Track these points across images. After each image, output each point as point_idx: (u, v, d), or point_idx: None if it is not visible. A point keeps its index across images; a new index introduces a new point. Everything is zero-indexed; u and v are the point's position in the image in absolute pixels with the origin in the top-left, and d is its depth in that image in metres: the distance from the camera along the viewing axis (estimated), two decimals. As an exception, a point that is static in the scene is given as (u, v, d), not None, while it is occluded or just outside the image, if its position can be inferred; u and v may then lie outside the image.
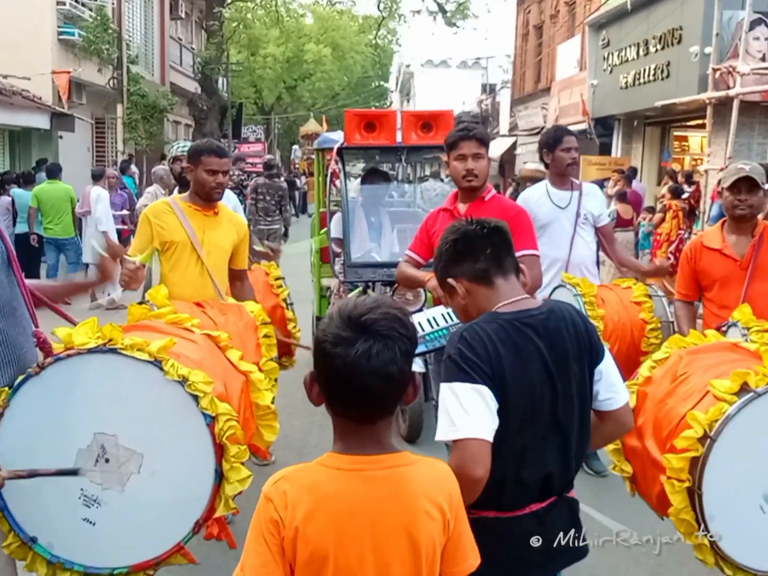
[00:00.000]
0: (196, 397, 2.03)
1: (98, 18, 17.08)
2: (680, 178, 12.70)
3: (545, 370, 1.91)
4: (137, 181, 18.87)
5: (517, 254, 3.57)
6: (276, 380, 3.20)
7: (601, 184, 13.79)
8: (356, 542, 1.42)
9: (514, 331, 1.90)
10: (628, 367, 2.98)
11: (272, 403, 2.54)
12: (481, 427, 1.77)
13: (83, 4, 17.67)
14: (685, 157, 16.53)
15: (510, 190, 17.77)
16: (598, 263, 4.80)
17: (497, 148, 22.73)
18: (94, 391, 2.05)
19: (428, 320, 3.51)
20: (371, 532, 1.42)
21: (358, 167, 7.74)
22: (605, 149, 17.19)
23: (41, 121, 15.37)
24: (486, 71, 40.40)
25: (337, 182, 5.69)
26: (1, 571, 2.16)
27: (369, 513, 1.43)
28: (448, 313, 3.53)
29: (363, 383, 1.42)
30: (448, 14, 23.40)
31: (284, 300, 4.32)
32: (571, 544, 1.99)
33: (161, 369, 2.02)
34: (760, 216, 3.67)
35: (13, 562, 2.20)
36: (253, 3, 28.59)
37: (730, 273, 3.57)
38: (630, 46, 14.88)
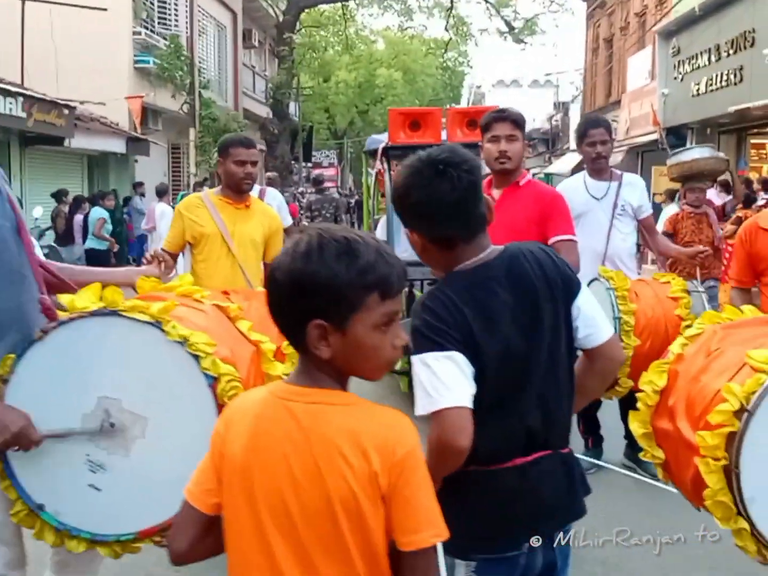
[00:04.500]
0: (197, 358, 2.00)
1: (172, 46, 17.66)
2: (756, 186, 12.21)
3: (516, 321, 1.79)
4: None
5: (553, 239, 3.50)
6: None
7: (675, 194, 13.43)
8: (274, 471, 1.34)
9: (476, 288, 1.79)
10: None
11: (286, 375, 2.49)
12: (460, 395, 1.67)
13: (158, 34, 18.35)
14: (764, 165, 15.89)
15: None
16: (640, 256, 4.63)
17: (567, 163, 22.39)
18: (97, 355, 2.03)
19: None
20: (286, 463, 1.33)
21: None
22: (678, 160, 16.68)
23: (117, 146, 15.95)
24: (558, 89, 40.09)
25: (383, 182, 5.65)
26: (10, 544, 2.16)
27: (285, 444, 1.34)
28: None
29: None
30: (516, 31, 23.31)
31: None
32: (565, 502, 1.86)
33: (162, 330, 2.00)
34: None
35: (21, 533, 2.19)
36: (322, 29, 29.22)
37: None
38: (701, 53, 14.46)
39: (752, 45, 12.46)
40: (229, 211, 3.79)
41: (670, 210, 13.18)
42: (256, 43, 27.88)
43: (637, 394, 2.51)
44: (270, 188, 5.22)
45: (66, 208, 11.94)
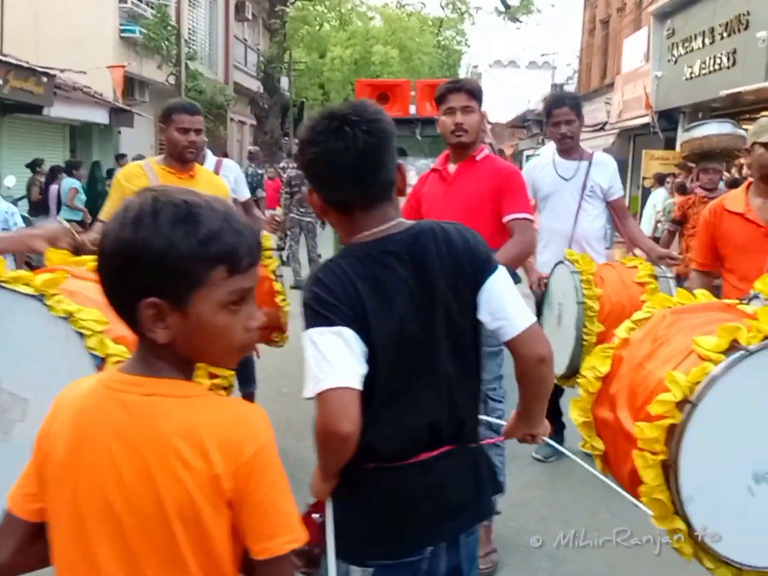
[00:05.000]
0: (82, 335, 1.81)
1: (158, 15, 17.31)
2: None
3: (414, 303, 1.62)
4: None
5: (507, 217, 3.31)
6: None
7: (664, 178, 13.22)
8: (99, 471, 1.16)
9: (373, 262, 1.61)
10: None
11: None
12: (345, 374, 1.50)
13: (147, 3, 17.98)
14: (756, 152, 15.69)
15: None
16: (610, 239, 4.43)
17: (560, 145, 22.15)
18: (-25, 329, 1.86)
19: None
20: (113, 463, 1.15)
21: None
22: (670, 144, 16.47)
23: (100, 116, 15.63)
24: (555, 71, 39.75)
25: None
26: None
27: (112, 441, 1.15)
28: None
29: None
30: (512, 9, 22.94)
31: (272, 272, 4.10)
32: (472, 500, 1.69)
33: (45, 304, 1.82)
34: None
35: None
36: (318, 3, 28.78)
37: (753, 240, 3.18)
38: (695, 35, 14.22)
39: (746, 28, 12.23)
40: (172, 180, 3.59)
41: (659, 195, 13.04)
42: (250, 16, 27.46)
43: (579, 380, 2.35)
44: (227, 160, 4.99)
45: (42, 179, 11.68)
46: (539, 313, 4.39)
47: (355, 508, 1.61)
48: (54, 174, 11.41)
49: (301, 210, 10.32)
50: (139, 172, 3.62)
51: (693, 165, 11.70)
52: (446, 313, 1.64)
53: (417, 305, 1.62)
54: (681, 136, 8.07)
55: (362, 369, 1.53)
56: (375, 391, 1.59)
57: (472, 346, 1.71)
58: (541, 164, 4.41)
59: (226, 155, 12.16)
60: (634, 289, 3.88)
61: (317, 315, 1.54)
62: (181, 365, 1.21)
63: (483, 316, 1.68)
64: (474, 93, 3.34)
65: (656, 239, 7.30)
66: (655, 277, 3.94)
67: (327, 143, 1.59)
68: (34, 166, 12.08)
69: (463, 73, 53.31)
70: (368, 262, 1.61)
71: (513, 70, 46.76)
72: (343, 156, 1.58)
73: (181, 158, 3.58)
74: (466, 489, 1.69)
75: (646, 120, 15.89)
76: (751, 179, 3.33)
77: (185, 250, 1.12)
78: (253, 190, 11.70)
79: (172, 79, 17.45)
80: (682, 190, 11.57)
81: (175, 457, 1.13)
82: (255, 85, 25.94)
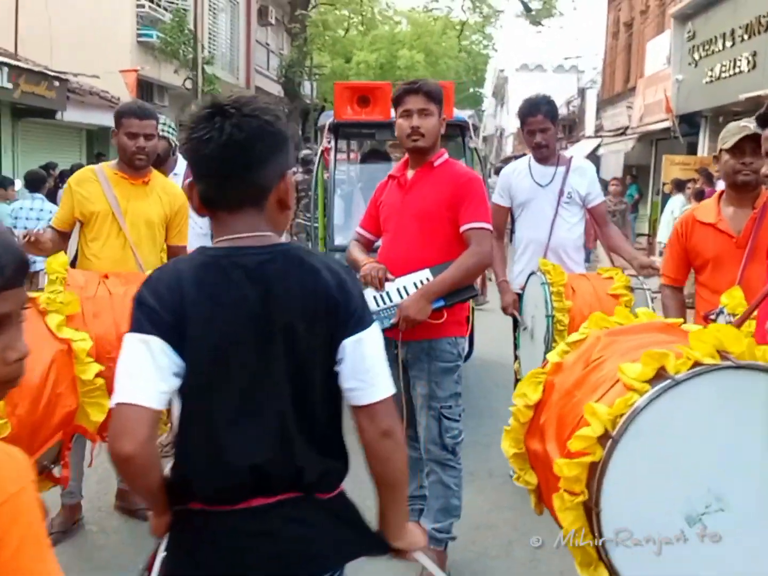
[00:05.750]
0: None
1: (176, 20, 17.31)
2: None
3: (251, 327, 1.45)
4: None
5: (464, 227, 3.13)
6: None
7: (683, 184, 12.89)
8: None
9: (216, 271, 1.46)
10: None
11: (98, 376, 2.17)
12: (138, 390, 1.35)
13: (165, 8, 18.00)
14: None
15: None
16: (588, 249, 4.22)
17: (581, 150, 21.82)
18: None
19: (379, 297, 3.09)
20: None
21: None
22: (692, 148, 16.10)
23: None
24: (582, 74, 39.26)
25: (329, 161, 5.26)
26: None
27: None
28: (382, 296, 3.11)
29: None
30: (533, 13, 22.70)
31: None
32: (312, 557, 1.50)
33: None
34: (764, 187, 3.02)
35: None
36: (335, 6, 28.74)
37: (725, 252, 2.97)
38: (716, 37, 13.85)
39: (767, 30, 11.87)
40: (124, 186, 3.47)
41: (677, 201, 12.71)
42: (273, 21, 27.46)
43: (510, 408, 2.17)
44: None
45: (51, 182, 11.70)
46: (515, 326, 4.21)
47: (175, 552, 1.45)
48: (63, 178, 11.41)
49: (308, 215, 10.19)
50: (91, 176, 3.50)
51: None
52: (291, 350, 1.47)
53: (255, 331, 1.45)
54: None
55: (165, 386, 1.38)
56: (190, 415, 1.44)
57: (323, 395, 1.53)
58: (518, 169, 4.22)
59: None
60: (608, 302, 3.68)
61: (133, 318, 1.41)
62: None
63: (341, 369, 1.52)
64: (432, 95, 3.17)
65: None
66: (632, 289, 3.73)
67: (195, 131, 1.48)
68: (47, 169, 12.11)
69: (489, 78, 53.05)
70: (211, 270, 1.46)
71: (540, 74, 46.24)
72: (206, 145, 1.45)
73: (130, 164, 3.45)
74: (309, 542, 1.50)
75: (667, 124, 15.54)
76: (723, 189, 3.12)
77: None
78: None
79: (188, 84, 17.42)
80: (699, 196, 11.26)
81: None
82: (277, 90, 25.92)
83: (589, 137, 23.52)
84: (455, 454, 3.23)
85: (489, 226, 3.10)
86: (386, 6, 36.39)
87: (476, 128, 5.96)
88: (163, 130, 4.31)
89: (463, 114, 5.32)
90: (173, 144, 4.44)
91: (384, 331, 3.15)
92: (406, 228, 3.19)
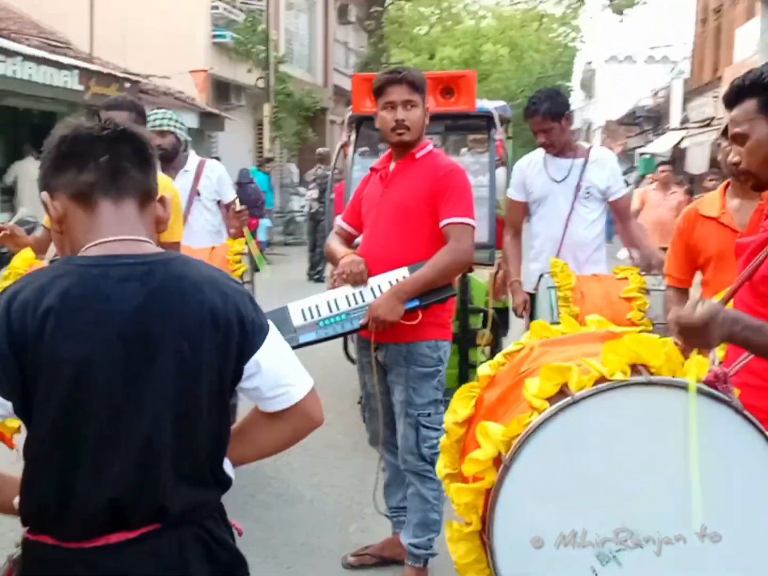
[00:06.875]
0: None
1: (249, 20, 17.52)
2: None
3: (121, 343, 1.31)
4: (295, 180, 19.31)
5: (443, 222, 2.93)
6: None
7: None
8: None
9: (81, 284, 1.31)
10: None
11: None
12: None
13: (240, 9, 18.24)
14: None
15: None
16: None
17: (665, 143, 20.94)
18: None
19: (328, 303, 2.94)
20: None
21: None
22: (781, 140, 15.15)
23: (188, 121, 15.90)
24: (675, 65, 37.76)
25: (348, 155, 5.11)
26: None
27: None
28: (354, 294, 2.94)
29: None
30: (616, 2, 21.96)
31: (240, 277, 3.88)
32: None
33: None
34: None
35: None
36: (422, 4, 28.63)
37: (728, 247, 2.65)
38: (806, 21, 12.99)
39: None
40: None
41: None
42: (353, 19, 27.53)
43: (444, 425, 1.97)
44: (211, 160, 4.79)
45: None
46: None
47: None
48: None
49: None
50: None
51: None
52: (172, 372, 1.34)
53: (126, 347, 1.31)
54: None
55: None
56: (39, 442, 1.31)
57: (211, 417, 1.40)
58: (533, 162, 3.97)
59: (322, 160, 11.96)
60: (620, 306, 3.41)
61: None
62: None
63: (255, 383, 1.43)
64: (416, 85, 2.99)
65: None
66: (647, 291, 3.44)
67: (78, 133, 1.39)
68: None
69: (578, 71, 51.74)
70: (77, 282, 1.32)
71: (630, 65, 44.81)
72: (99, 141, 1.38)
73: None
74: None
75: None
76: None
77: None
78: (321, 192, 11.56)
79: (261, 83, 17.61)
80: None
81: None
82: (355, 87, 25.97)
83: (674, 129, 22.54)
84: (434, 465, 3.03)
85: (471, 221, 2.90)
86: (471, 1, 36.07)
87: (507, 120, 5.68)
88: (168, 125, 4.24)
89: (490, 105, 5.06)
90: (182, 139, 4.37)
91: (359, 331, 3.01)
92: (384, 223, 3.03)
